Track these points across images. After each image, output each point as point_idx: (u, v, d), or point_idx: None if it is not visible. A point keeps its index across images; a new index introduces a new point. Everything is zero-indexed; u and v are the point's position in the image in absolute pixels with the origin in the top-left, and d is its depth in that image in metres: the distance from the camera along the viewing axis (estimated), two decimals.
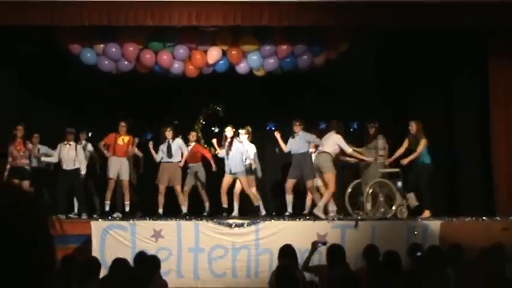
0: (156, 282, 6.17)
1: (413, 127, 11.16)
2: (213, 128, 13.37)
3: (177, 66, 11.89)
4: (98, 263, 6.25)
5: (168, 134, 11.59)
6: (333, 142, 10.77)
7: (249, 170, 11.64)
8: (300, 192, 11.55)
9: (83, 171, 11.56)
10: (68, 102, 12.73)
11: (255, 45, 11.69)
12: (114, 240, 9.83)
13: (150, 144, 11.78)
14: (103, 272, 6.24)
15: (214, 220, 10.21)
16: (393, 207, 10.60)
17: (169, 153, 11.51)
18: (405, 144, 11.19)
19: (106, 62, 11.83)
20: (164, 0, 10.54)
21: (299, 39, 11.62)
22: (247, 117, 12.09)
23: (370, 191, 10.73)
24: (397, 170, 11.00)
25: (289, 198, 11.22)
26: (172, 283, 7.53)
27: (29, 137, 11.49)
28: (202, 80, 12.13)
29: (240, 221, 10.18)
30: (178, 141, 11.69)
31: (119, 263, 5.98)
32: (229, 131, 11.35)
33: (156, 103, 12.87)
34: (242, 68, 11.96)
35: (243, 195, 11.50)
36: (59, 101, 12.70)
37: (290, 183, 11.20)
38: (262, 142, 12.61)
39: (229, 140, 11.30)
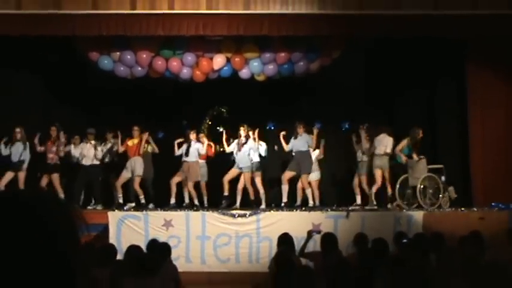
0: (167, 267, 6.16)
1: (419, 134, 11.04)
2: (218, 128, 13.34)
3: (185, 72, 11.88)
4: (114, 249, 6.25)
5: (192, 136, 11.56)
6: (387, 144, 10.93)
7: (257, 167, 11.54)
8: (294, 186, 11.54)
9: (100, 166, 11.58)
10: (86, 104, 12.71)
11: (256, 53, 11.68)
12: (128, 228, 9.83)
13: (176, 142, 11.66)
14: (119, 257, 6.23)
15: (219, 211, 10.21)
16: (439, 198, 10.63)
17: (187, 153, 11.47)
18: (407, 140, 11.06)
19: (122, 68, 11.83)
20: (174, 12, 10.52)
21: (296, 47, 11.60)
22: (249, 117, 12.06)
23: (422, 186, 10.71)
24: (440, 165, 11.01)
25: (284, 188, 11.26)
26: (182, 268, 7.51)
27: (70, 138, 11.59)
28: (208, 84, 12.12)
29: (242, 212, 10.18)
30: (198, 143, 11.61)
31: (133, 249, 5.98)
32: (243, 130, 11.33)
33: (167, 105, 12.84)
34: (244, 73, 11.94)
35: (246, 192, 11.45)
36: (79, 103, 12.69)
37: (288, 174, 11.28)
38: (262, 141, 12.55)
39: (243, 138, 11.28)
